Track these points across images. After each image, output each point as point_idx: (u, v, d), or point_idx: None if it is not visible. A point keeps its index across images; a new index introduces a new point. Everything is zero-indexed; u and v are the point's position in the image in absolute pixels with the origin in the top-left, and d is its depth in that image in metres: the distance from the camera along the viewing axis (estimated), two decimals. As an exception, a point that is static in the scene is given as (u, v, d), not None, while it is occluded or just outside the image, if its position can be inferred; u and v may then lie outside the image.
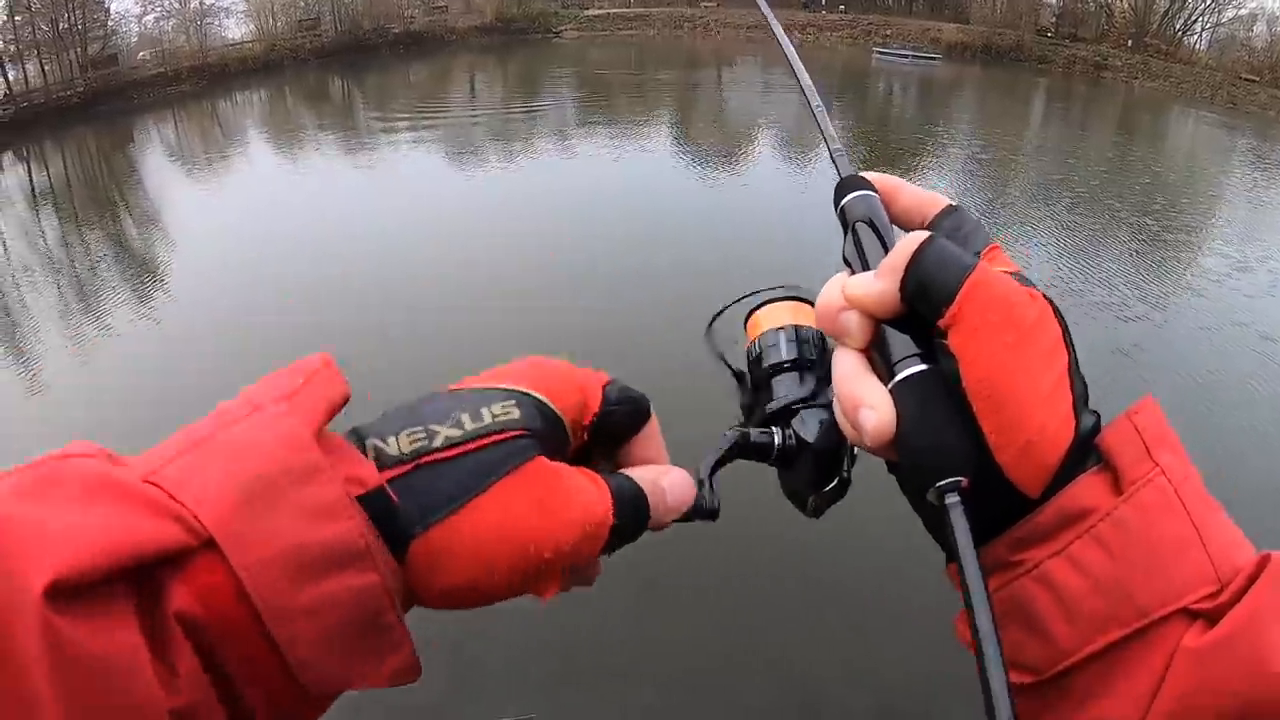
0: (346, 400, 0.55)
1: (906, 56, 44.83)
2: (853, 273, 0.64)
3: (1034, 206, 19.82)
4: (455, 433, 0.54)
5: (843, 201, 0.69)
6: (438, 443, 0.54)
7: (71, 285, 16.97)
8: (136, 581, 0.43)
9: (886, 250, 0.61)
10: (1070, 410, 0.55)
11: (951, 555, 0.54)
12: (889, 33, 50.06)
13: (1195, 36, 47.28)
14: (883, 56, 45.78)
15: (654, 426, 0.68)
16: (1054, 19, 50.16)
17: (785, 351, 0.79)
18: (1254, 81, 40.47)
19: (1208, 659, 0.49)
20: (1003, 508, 0.56)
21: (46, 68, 34.99)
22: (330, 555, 0.48)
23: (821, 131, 0.78)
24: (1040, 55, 46.24)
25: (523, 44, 50.92)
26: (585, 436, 0.63)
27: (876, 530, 7.56)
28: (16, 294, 16.45)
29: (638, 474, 0.62)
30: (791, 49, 0.89)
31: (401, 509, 0.51)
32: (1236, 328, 13.50)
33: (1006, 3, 49.65)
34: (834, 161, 0.74)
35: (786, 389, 0.78)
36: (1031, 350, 0.54)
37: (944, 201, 0.71)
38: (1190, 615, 0.51)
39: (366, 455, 0.52)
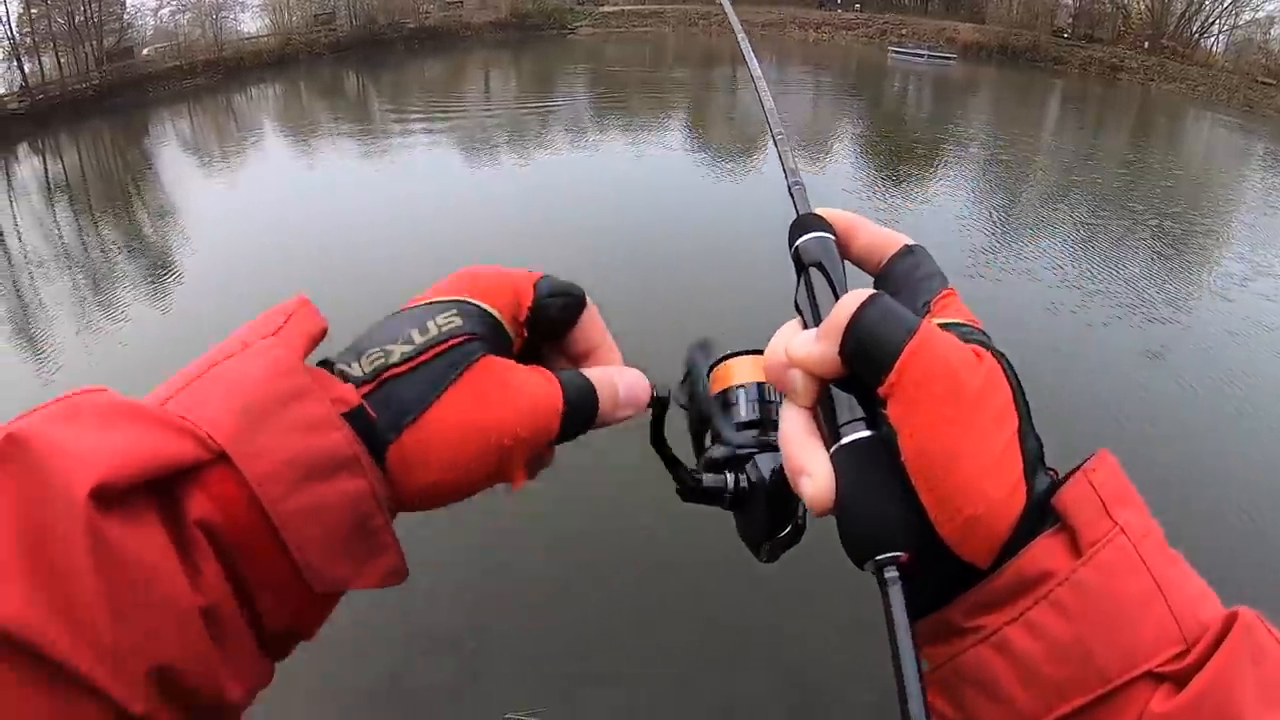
0: (324, 333, 0.60)
1: (922, 56, 44.62)
2: (803, 321, 0.64)
3: (1053, 208, 19.70)
4: (408, 348, 0.59)
5: (797, 243, 0.68)
6: (394, 359, 0.59)
7: (86, 277, 17.03)
8: (156, 494, 0.47)
9: (837, 298, 0.61)
10: (1020, 478, 0.53)
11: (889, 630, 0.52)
12: (904, 32, 49.86)
13: (1212, 39, 47.01)
14: (898, 56, 45.58)
15: (592, 316, 0.71)
16: (1070, 20, 49.90)
17: (745, 410, 0.78)
18: (1271, 85, 40.16)
19: None
20: (954, 574, 0.54)
21: (62, 60, 35.01)
22: (325, 463, 0.52)
23: (781, 163, 0.78)
24: (1056, 56, 45.98)
25: (538, 40, 50.85)
26: (524, 332, 0.67)
27: None
28: (31, 286, 16.56)
29: (593, 372, 0.67)
30: (760, 74, 0.89)
31: (377, 427, 0.56)
32: (1266, 332, 13.46)
33: (1023, 3, 49.42)
34: (791, 196, 0.73)
35: (743, 439, 0.76)
36: (977, 419, 0.53)
37: (902, 240, 0.70)
38: (1156, 679, 0.50)
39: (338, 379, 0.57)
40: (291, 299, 0.62)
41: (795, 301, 0.65)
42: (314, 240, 16.94)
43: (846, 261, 0.68)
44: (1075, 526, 0.53)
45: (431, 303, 0.63)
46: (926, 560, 0.53)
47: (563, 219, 17.55)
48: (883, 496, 0.54)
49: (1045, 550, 0.52)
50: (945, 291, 0.65)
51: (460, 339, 0.60)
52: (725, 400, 0.79)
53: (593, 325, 0.71)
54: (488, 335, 0.62)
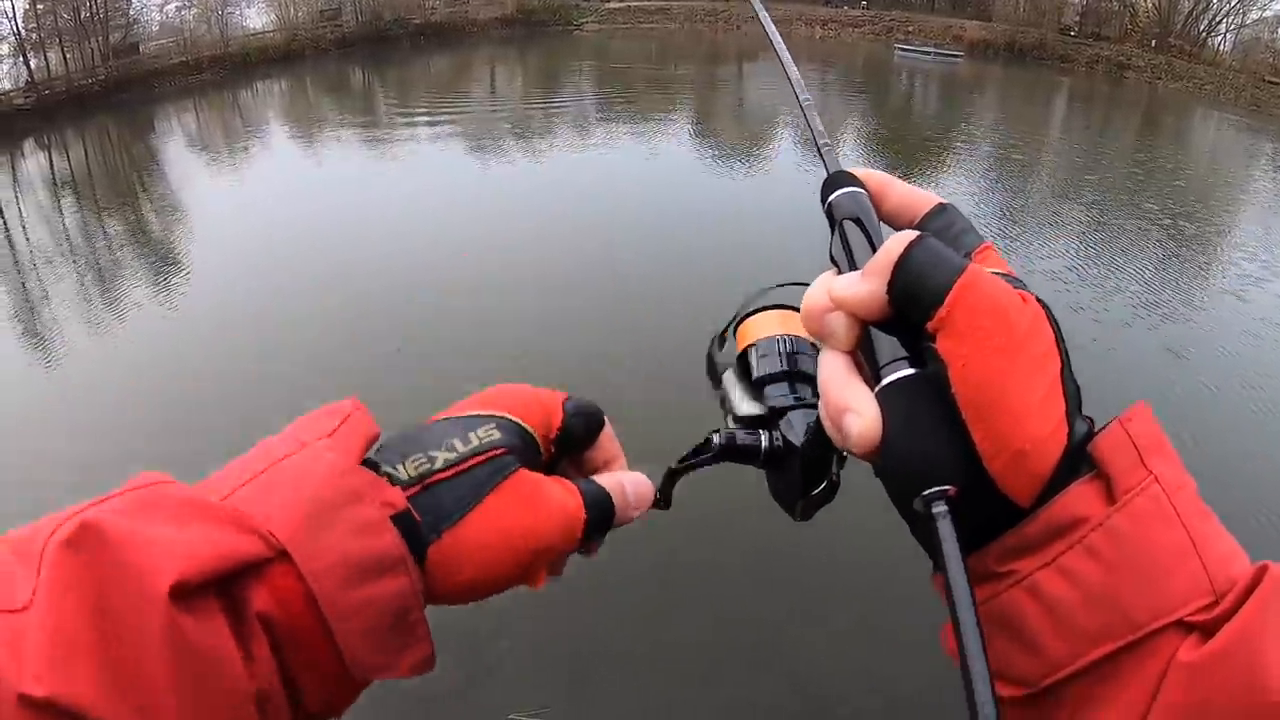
0: (377, 439, 0.65)
1: (929, 54, 44.53)
2: (839, 272, 0.63)
3: (1065, 207, 19.61)
4: (451, 455, 0.64)
5: (830, 198, 0.68)
6: (438, 465, 0.63)
7: (92, 272, 17.02)
8: (219, 587, 0.51)
9: (874, 249, 0.61)
10: (1063, 418, 0.54)
11: (938, 564, 0.53)
12: (911, 29, 49.82)
13: (1219, 38, 46.83)
14: (904, 53, 45.50)
15: (609, 432, 0.76)
16: (1077, 18, 49.77)
17: (777, 362, 0.81)
18: (1278, 84, 40.05)
19: (1202, 674, 0.49)
20: (992, 516, 0.55)
21: (68, 56, 34.99)
22: (375, 564, 0.56)
23: (809, 126, 0.78)
24: (1063, 54, 45.83)
25: (543, 36, 50.80)
26: (552, 449, 0.71)
27: (897, 528, 7.73)
28: (37, 281, 16.59)
29: (604, 479, 0.72)
30: (780, 40, 0.91)
31: (419, 524, 0.61)
32: (1283, 330, 13.36)
33: (1029, 1, 49.30)
34: (821, 156, 0.74)
35: (776, 395, 0.80)
36: (1024, 356, 0.53)
37: (935, 199, 0.70)
38: (1185, 628, 0.51)
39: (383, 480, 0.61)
40: (345, 401, 0.67)
41: (830, 254, 0.65)
42: (320, 236, 16.97)
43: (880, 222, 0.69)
44: (1111, 474, 0.54)
45: (473, 415, 0.68)
46: (969, 499, 0.53)
47: (571, 215, 17.58)
48: (930, 431, 0.54)
49: (1080, 496, 0.54)
50: (984, 245, 0.66)
51: (499, 451, 0.65)
52: (746, 358, 0.83)
53: (609, 441, 0.76)
54: (522, 449, 0.67)
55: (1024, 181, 22.13)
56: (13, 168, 26.98)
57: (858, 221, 0.65)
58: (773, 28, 0.93)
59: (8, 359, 12.98)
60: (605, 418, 0.76)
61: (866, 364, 0.59)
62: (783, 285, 0.86)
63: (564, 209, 17.97)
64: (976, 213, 17.98)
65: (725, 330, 0.88)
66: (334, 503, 0.56)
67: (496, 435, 0.66)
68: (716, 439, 0.77)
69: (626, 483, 0.73)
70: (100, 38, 36.02)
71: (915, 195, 0.70)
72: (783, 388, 0.81)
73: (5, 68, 33.13)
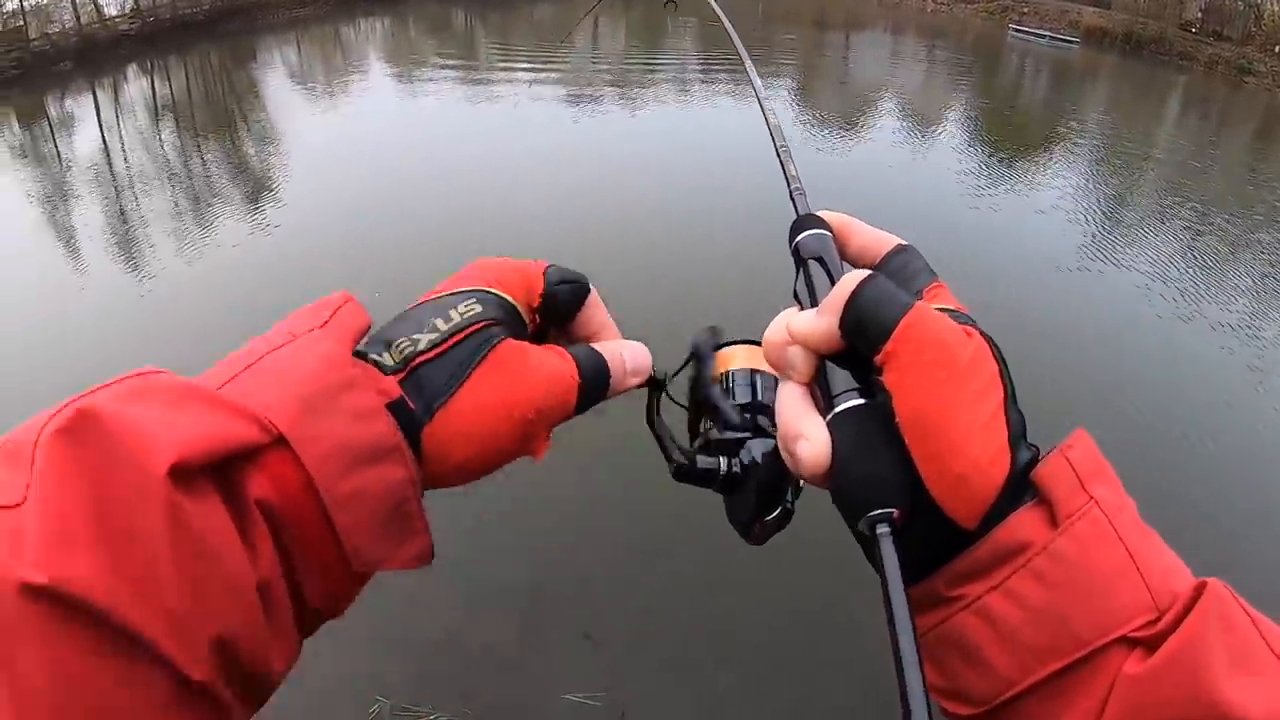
0: (369, 328, 0.66)
1: (1044, 37, 43.08)
2: (801, 308, 0.68)
3: (1167, 209, 18.41)
4: (434, 335, 0.64)
5: (797, 239, 0.74)
6: (422, 346, 0.64)
7: (187, 195, 17.15)
8: (215, 474, 0.51)
9: (834, 282, 0.66)
10: (1005, 445, 0.57)
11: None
12: (1026, 10, 48.23)
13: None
14: (1017, 35, 44.07)
15: (594, 300, 0.77)
16: (1199, 14, 47.67)
17: (739, 393, 0.82)
18: None
19: (1146, 685, 0.51)
20: (940, 542, 0.58)
21: (175, -16, 35.26)
22: (372, 450, 0.57)
23: (784, 171, 0.86)
24: (1182, 51, 43.72)
25: (649, -13, 50.35)
26: (537, 318, 0.72)
27: None
28: (134, 202, 16.74)
29: (602, 346, 0.73)
30: (761, 88, 1.01)
31: (412, 407, 0.61)
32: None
33: (1151, -3, 47.43)
34: (793, 200, 0.81)
35: (742, 422, 0.81)
36: (965, 386, 0.56)
37: (895, 241, 0.75)
38: (1130, 643, 0.53)
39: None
40: (335, 294, 0.67)
41: (794, 291, 0.71)
42: (412, 175, 16.95)
43: (843, 262, 0.73)
44: (1053, 499, 0.56)
45: (452, 293, 0.68)
46: (915, 524, 0.57)
47: (664, 173, 17.33)
48: (876, 456, 0.57)
49: (1024, 522, 0.56)
50: (935, 284, 0.70)
51: (481, 324, 0.65)
52: (722, 385, 0.84)
53: (596, 309, 0.77)
54: (506, 320, 0.68)
55: (1129, 179, 20.95)
56: (115, 91, 27.34)
57: (820, 261, 0.70)
58: (759, 85, 1.00)
59: (102, 276, 13.18)
60: (591, 286, 0.75)
61: (821, 395, 0.63)
62: (731, 343, 0.87)
63: (658, 167, 17.75)
64: (1075, 206, 17.20)
65: (687, 363, 0.87)
66: (330, 390, 0.56)
67: (478, 309, 0.66)
68: (677, 459, 0.79)
69: (624, 350, 0.74)
70: (207, -33, 36.20)
71: (877, 237, 0.75)
72: (746, 418, 0.81)
73: (113, -8, 33.43)
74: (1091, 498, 0.55)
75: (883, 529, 0.55)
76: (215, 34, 34.02)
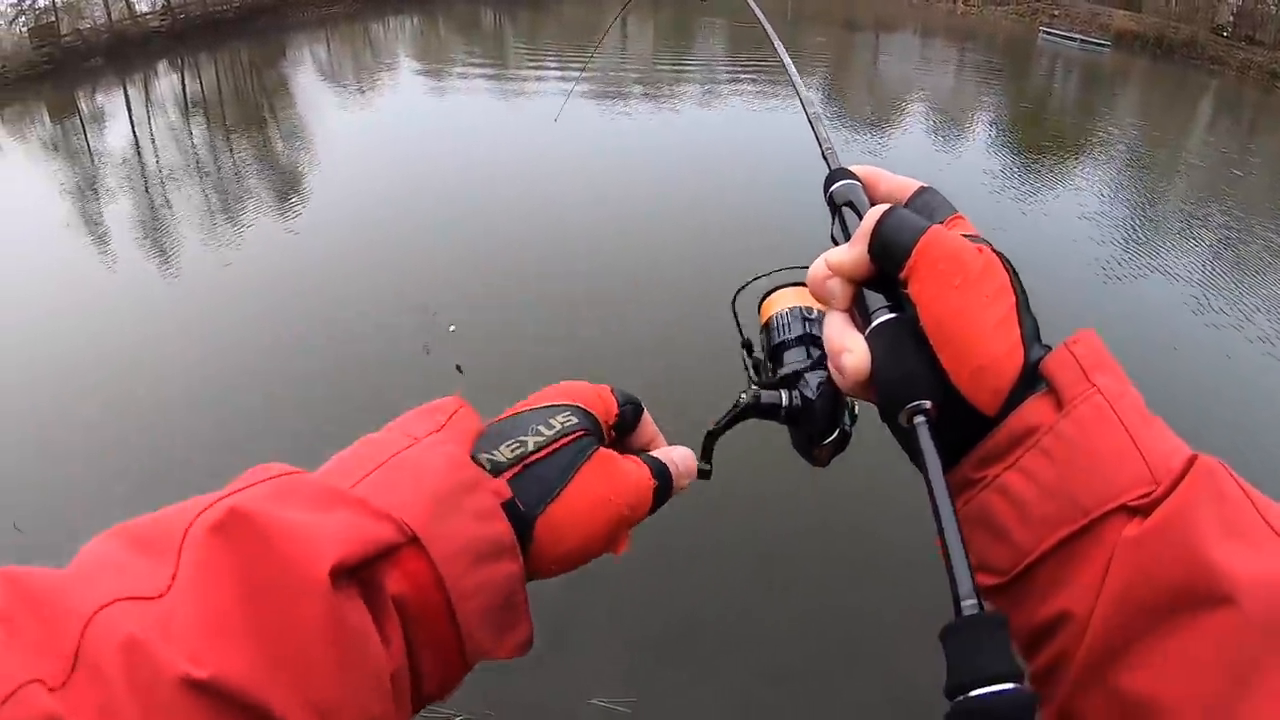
0: (482, 433, 0.72)
1: (1074, 40, 42.69)
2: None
3: (1199, 213, 18.16)
4: (540, 439, 0.71)
5: (830, 189, 0.82)
6: (531, 447, 0.70)
7: (216, 191, 17.25)
8: (355, 572, 0.55)
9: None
10: (1018, 342, 0.64)
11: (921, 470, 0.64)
12: (1057, 13, 47.77)
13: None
14: (1048, 37, 43.68)
15: (647, 417, 0.85)
16: (1231, 18, 47.11)
17: (791, 328, 0.93)
18: None
19: (1142, 546, 0.56)
20: (967, 432, 0.66)
21: (205, -18, 35.44)
22: (493, 548, 0.63)
23: (814, 131, 0.93)
24: (1214, 55, 43.14)
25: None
26: (613, 433, 0.79)
27: None
28: (163, 196, 16.82)
29: (657, 454, 0.81)
30: (784, 52, 1.08)
31: (523, 501, 0.67)
32: None
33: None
34: (824, 157, 0.88)
35: (793, 359, 0.91)
36: (978, 291, 0.64)
37: (917, 184, 0.82)
38: (1130, 511, 0.58)
39: (484, 468, 0.67)
40: (447, 399, 0.74)
41: (831, 235, 0.79)
42: (438, 175, 17.01)
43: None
44: (1058, 387, 0.63)
45: (550, 405, 0.75)
46: (945, 417, 0.64)
47: (693, 174, 17.21)
48: (909, 358, 0.65)
49: (1035, 408, 0.63)
50: (955, 215, 0.77)
51: (580, 433, 0.72)
52: (769, 327, 0.95)
53: (648, 422, 0.85)
54: (595, 431, 0.75)
55: (1159, 183, 20.67)
56: (146, 88, 27.54)
57: (851, 205, 0.79)
58: (771, 30, 1.07)
59: (131, 270, 13.23)
60: (643, 404, 0.83)
61: (860, 317, 0.71)
62: (780, 287, 0.97)
63: (688, 169, 17.62)
64: (1104, 210, 17.00)
65: (735, 296, 1.03)
66: (455, 492, 0.62)
67: (574, 420, 0.73)
68: (744, 398, 0.87)
69: (675, 456, 0.81)
70: (238, -35, 36.37)
71: (902, 182, 0.83)
72: (799, 351, 0.91)
73: (144, -11, 33.63)
74: (1094, 385, 0.62)
75: (919, 420, 0.63)
76: (245, 31, 34.22)
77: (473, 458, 0.67)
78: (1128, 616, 0.56)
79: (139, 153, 20.00)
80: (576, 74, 26.12)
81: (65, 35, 29.14)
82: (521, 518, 0.66)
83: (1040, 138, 24.14)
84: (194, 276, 12.85)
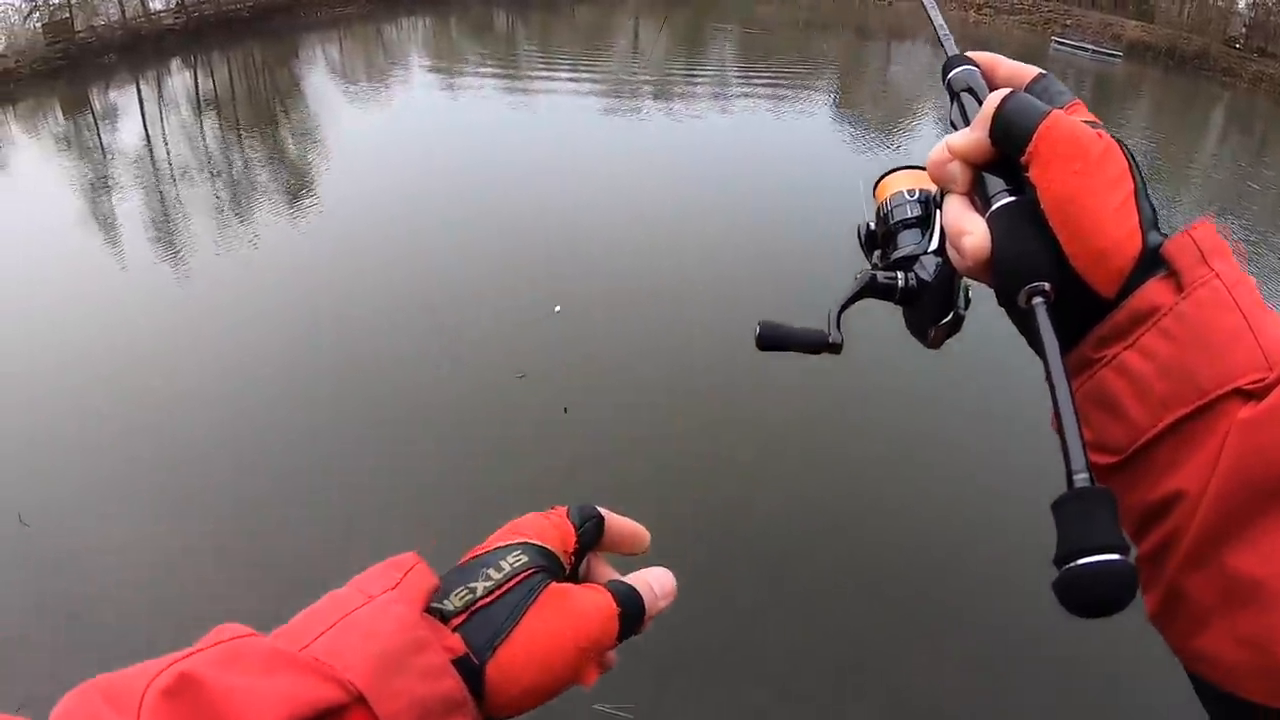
0: (435, 590, 0.70)
1: (1086, 50, 42.64)
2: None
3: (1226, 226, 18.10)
4: (488, 584, 0.71)
5: (948, 76, 0.82)
6: (479, 593, 0.70)
7: (227, 189, 17.33)
8: None
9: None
10: (1136, 226, 0.65)
11: (1040, 351, 0.65)
12: (1069, 23, 47.76)
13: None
14: (1060, 47, 43.63)
15: (613, 521, 0.83)
16: (1243, 30, 46.99)
17: (909, 210, 0.91)
18: None
19: (1257, 428, 0.57)
20: (1082, 316, 0.67)
21: (219, -19, 35.56)
22: (442, 705, 0.62)
23: (929, 18, 0.95)
24: (1226, 67, 42.93)
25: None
26: (573, 560, 0.78)
27: (1013, 566, 7.20)
28: (175, 193, 16.92)
29: (631, 578, 0.79)
30: None
31: (473, 649, 0.67)
32: None
33: (1195, 6, 46.84)
34: (941, 43, 0.89)
35: (909, 241, 0.90)
36: (1098, 176, 0.65)
37: (1036, 71, 0.81)
38: (1244, 395, 0.59)
39: (436, 618, 0.68)
40: (405, 555, 0.73)
41: (950, 120, 0.79)
42: (447, 177, 17.05)
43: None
44: (1178, 270, 0.64)
45: (500, 547, 0.74)
46: (1065, 297, 0.65)
47: (700, 183, 17.21)
48: (1029, 240, 0.66)
49: (1155, 289, 0.64)
50: (1074, 102, 0.75)
51: (529, 572, 0.72)
52: (887, 207, 0.93)
53: (617, 528, 0.83)
54: (548, 566, 0.74)
55: (1173, 194, 20.58)
56: (159, 85, 27.66)
57: (970, 91, 0.79)
58: None
59: (144, 266, 13.28)
60: (602, 511, 0.82)
61: (979, 201, 0.72)
62: (894, 170, 0.96)
63: (695, 176, 17.63)
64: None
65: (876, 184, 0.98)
66: (403, 651, 0.62)
67: (524, 559, 0.73)
68: (859, 277, 0.87)
69: (651, 579, 0.79)
70: (252, -36, 36.48)
71: (1020, 68, 0.81)
72: (914, 234, 0.90)
73: (159, -12, 33.75)
74: (1213, 270, 0.62)
75: (1038, 300, 0.65)
76: (259, 30, 34.35)
77: (426, 608, 0.68)
78: (1239, 498, 0.57)
79: (151, 150, 20.12)
80: (585, 77, 26.20)
81: (79, 32, 29.28)
82: (474, 670, 0.66)
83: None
84: (204, 273, 12.90)
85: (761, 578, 7.22)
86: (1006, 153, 0.69)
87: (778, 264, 12.57)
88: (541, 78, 27.46)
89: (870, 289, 0.87)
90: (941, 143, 0.74)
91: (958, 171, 0.73)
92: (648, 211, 14.98)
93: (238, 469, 8.23)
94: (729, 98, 26.12)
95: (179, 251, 13.79)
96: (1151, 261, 0.65)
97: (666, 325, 10.86)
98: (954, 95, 0.80)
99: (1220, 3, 46.83)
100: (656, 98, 25.51)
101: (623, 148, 19.81)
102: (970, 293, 0.84)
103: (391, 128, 22.03)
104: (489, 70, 28.78)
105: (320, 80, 28.28)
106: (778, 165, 18.78)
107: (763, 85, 27.28)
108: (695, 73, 30.40)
